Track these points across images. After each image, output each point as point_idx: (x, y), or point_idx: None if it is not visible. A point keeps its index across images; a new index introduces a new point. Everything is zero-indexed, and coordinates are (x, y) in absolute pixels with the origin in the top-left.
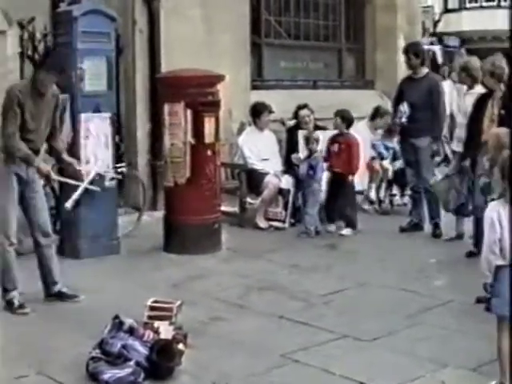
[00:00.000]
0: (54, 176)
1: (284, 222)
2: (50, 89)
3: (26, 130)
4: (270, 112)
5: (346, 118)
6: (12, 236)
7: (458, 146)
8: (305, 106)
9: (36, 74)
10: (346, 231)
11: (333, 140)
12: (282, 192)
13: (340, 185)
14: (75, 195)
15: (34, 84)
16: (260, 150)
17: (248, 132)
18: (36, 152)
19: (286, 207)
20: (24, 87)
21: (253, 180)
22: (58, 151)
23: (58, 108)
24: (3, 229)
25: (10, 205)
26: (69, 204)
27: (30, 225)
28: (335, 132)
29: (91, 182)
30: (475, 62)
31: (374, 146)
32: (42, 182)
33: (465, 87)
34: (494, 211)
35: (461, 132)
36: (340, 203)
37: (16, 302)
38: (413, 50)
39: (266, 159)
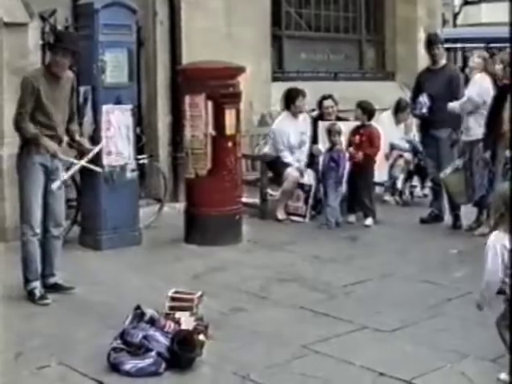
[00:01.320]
0: (61, 156)
1: (305, 216)
2: (66, 72)
3: (46, 114)
4: (304, 96)
5: (367, 110)
6: (35, 226)
7: (465, 136)
8: (329, 97)
9: (50, 57)
10: (369, 221)
11: (354, 131)
12: (303, 187)
13: (360, 176)
14: (66, 175)
15: (48, 68)
16: (290, 137)
17: (282, 118)
18: (57, 137)
19: (306, 202)
20: (38, 73)
21: (275, 170)
22: (72, 132)
23: (75, 91)
24: (27, 219)
25: (34, 195)
26: (55, 186)
27: (45, 213)
28: (357, 123)
29: (92, 162)
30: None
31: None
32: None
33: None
34: (499, 243)
35: (466, 120)
36: (360, 194)
37: (37, 293)
38: (439, 41)
39: (294, 147)
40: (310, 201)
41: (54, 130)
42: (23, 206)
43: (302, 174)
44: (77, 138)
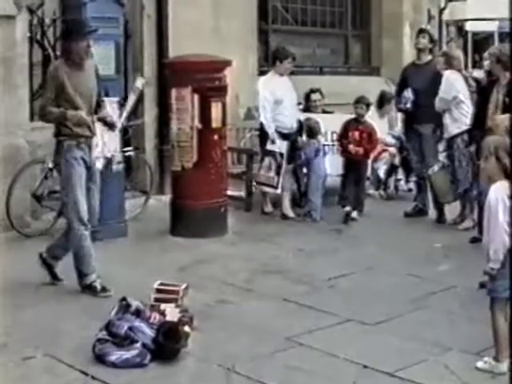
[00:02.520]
0: (87, 118)
1: (276, 187)
2: (87, 56)
3: (71, 104)
4: (294, 60)
5: (369, 105)
6: (85, 219)
7: (446, 133)
8: (317, 90)
9: (66, 46)
10: (355, 214)
11: (353, 128)
12: (274, 155)
13: (356, 170)
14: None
15: (68, 57)
16: (278, 93)
17: (267, 77)
18: (87, 127)
19: (278, 172)
20: (61, 63)
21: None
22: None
23: (100, 77)
24: (76, 213)
25: (80, 189)
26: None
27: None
28: (350, 117)
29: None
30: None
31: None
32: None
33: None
34: (503, 193)
35: (443, 118)
36: (355, 188)
37: (98, 286)
38: (428, 33)
39: (282, 101)
40: (282, 171)
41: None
42: (70, 201)
43: (272, 141)
44: (100, 115)
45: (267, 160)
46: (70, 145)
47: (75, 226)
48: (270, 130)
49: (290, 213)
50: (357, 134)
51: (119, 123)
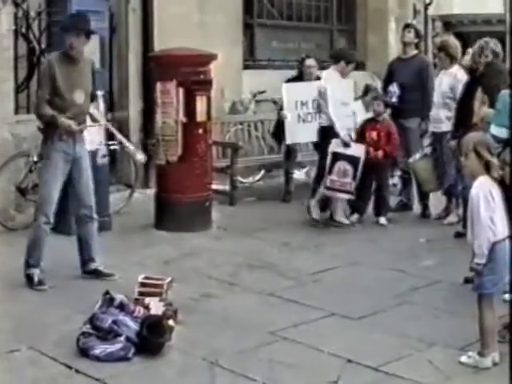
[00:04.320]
0: (76, 127)
1: (352, 193)
2: (83, 53)
3: (61, 97)
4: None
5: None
6: (50, 215)
7: (434, 127)
8: (312, 56)
9: (65, 39)
10: (383, 220)
11: (371, 127)
12: (351, 159)
13: (376, 174)
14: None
15: (65, 52)
16: (341, 93)
17: (330, 73)
18: (77, 120)
19: (354, 177)
20: (55, 57)
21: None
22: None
23: (95, 74)
24: (43, 206)
25: (53, 183)
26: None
27: (77, 200)
28: (368, 116)
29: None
30: (454, 40)
31: None
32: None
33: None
34: (485, 189)
35: (437, 112)
36: (377, 194)
37: (36, 278)
38: (414, 28)
39: (346, 103)
40: (358, 174)
41: (72, 113)
42: (41, 193)
43: (345, 145)
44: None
45: (341, 165)
46: (53, 137)
47: (38, 217)
48: (342, 132)
49: (344, 219)
50: (374, 134)
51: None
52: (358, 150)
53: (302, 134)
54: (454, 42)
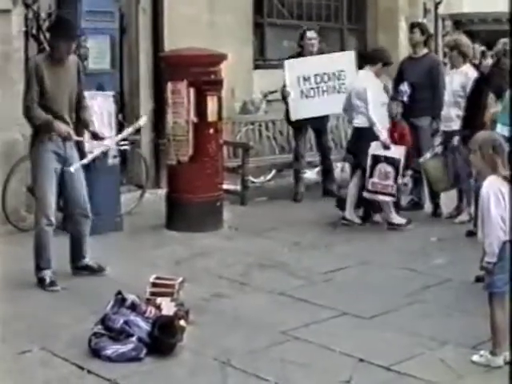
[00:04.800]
0: (75, 137)
1: (394, 196)
2: (69, 55)
3: (47, 98)
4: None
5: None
6: (50, 215)
7: (445, 126)
8: (313, 29)
9: (51, 41)
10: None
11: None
12: (392, 161)
13: None
14: (87, 158)
15: (51, 52)
16: (380, 94)
17: (366, 73)
18: (63, 122)
19: (396, 179)
20: (43, 57)
21: (362, 140)
22: (85, 122)
23: (81, 74)
24: (41, 208)
25: (48, 184)
26: (72, 168)
27: (68, 201)
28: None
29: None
30: (466, 39)
31: None
32: (78, 158)
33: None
34: (495, 188)
35: (448, 111)
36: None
37: (47, 279)
38: (419, 27)
39: (385, 103)
40: (400, 177)
41: (59, 115)
42: (37, 196)
43: (385, 147)
44: (91, 128)
45: (381, 167)
46: (43, 137)
47: (38, 220)
48: (383, 136)
49: (396, 219)
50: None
51: (113, 144)
52: (397, 152)
53: (305, 109)
54: (467, 41)
